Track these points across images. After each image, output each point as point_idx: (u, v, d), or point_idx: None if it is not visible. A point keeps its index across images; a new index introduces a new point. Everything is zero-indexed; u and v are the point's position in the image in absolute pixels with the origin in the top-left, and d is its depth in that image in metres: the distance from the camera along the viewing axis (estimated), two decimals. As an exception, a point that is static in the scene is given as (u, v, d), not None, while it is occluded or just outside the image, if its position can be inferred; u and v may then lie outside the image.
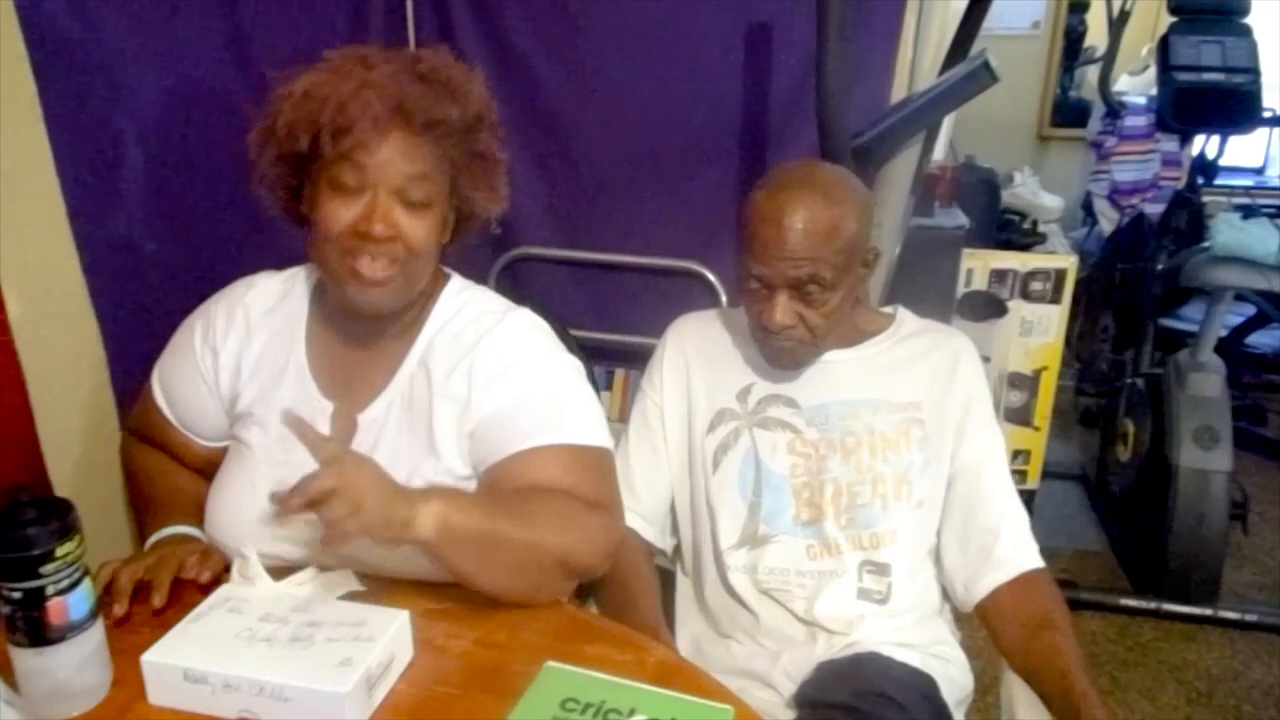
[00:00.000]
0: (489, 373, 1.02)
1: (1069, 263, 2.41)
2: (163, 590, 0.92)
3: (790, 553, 1.15)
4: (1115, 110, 3.46)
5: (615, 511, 1.07)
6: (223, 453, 1.12)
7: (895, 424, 1.16)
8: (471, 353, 1.02)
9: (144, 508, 1.14)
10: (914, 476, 1.15)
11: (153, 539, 1.05)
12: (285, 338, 1.09)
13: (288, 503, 0.79)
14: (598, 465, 1.05)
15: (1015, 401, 2.44)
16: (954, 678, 1.13)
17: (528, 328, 1.08)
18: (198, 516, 1.08)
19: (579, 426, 1.03)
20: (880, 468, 1.15)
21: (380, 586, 0.97)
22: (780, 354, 1.15)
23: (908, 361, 1.19)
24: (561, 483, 0.99)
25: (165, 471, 1.16)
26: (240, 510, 1.02)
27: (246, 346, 1.09)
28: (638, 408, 1.28)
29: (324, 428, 0.90)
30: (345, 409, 0.96)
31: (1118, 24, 3.33)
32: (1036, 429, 2.45)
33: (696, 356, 1.25)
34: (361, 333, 1.06)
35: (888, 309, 1.27)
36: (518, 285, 1.78)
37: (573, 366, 1.09)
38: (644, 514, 1.23)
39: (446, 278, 1.11)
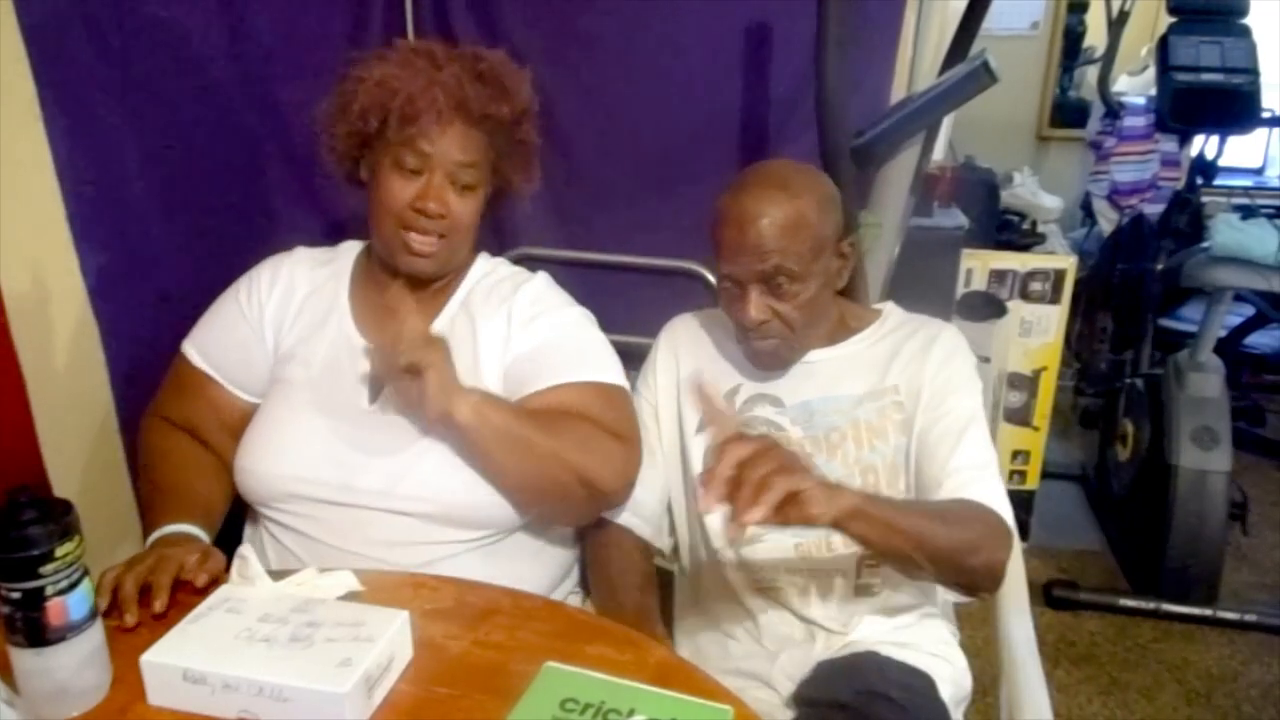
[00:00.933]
0: (525, 316, 1.17)
1: (1068, 263, 2.41)
2: (163, 595, 0.92)
3: (777, 550, 1.14)
4: (1114, 110, 3.46)
5: (635, 442, 1.17)
6: (252, 410, 1.18)
7: (878, 411, 1.15)
8: (511, 299, 1.19)
9: (151, 496, 1.15)
10: (902, 461, 1.14)
11: (153, 536, 1.06)
12: (329, 290, 1.21)
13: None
14: (619, 400, 1.18)
15: (1015, 402, 2.44)
16: (953, 678, 1.13)
17: (553, 284, 1.26)
18: (203, 517, 1.09)
19: (600, 366, 1.18)
20: (869, 457, 1.14)
21: (380, 587, 0.97)
22: (762, 354, 1.16)
23: (890, 353, 1.18)
24: (588, 411, 1.13)
25: (182, 463, 1.17)
26: (281, 437, 1.12)
27: (289, 298, 1.20)
28: (638, 406, 1.26)
29: (363, 365, 1.10)
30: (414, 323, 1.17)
31: (1117, 24, 3.33)
32: (1036, 429, 2.45)
33: (688, 357, 1.26)
34: (401, 290, 1.19)
35: (877, 306, 1.27)
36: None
37: (588, 316, 1.24)
38: (639, 512, 1.24)
39: (478, 254, 1.26)
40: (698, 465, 1.20)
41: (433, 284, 1.20)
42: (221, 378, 1.19)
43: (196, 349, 1.20)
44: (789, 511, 0.81)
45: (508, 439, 1.05)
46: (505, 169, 1.20)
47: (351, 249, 1.26)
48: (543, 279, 1.25)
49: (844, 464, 1.14)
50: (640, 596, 1.20)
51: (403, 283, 1.18)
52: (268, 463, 1.11)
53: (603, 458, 1.11)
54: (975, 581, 1.01)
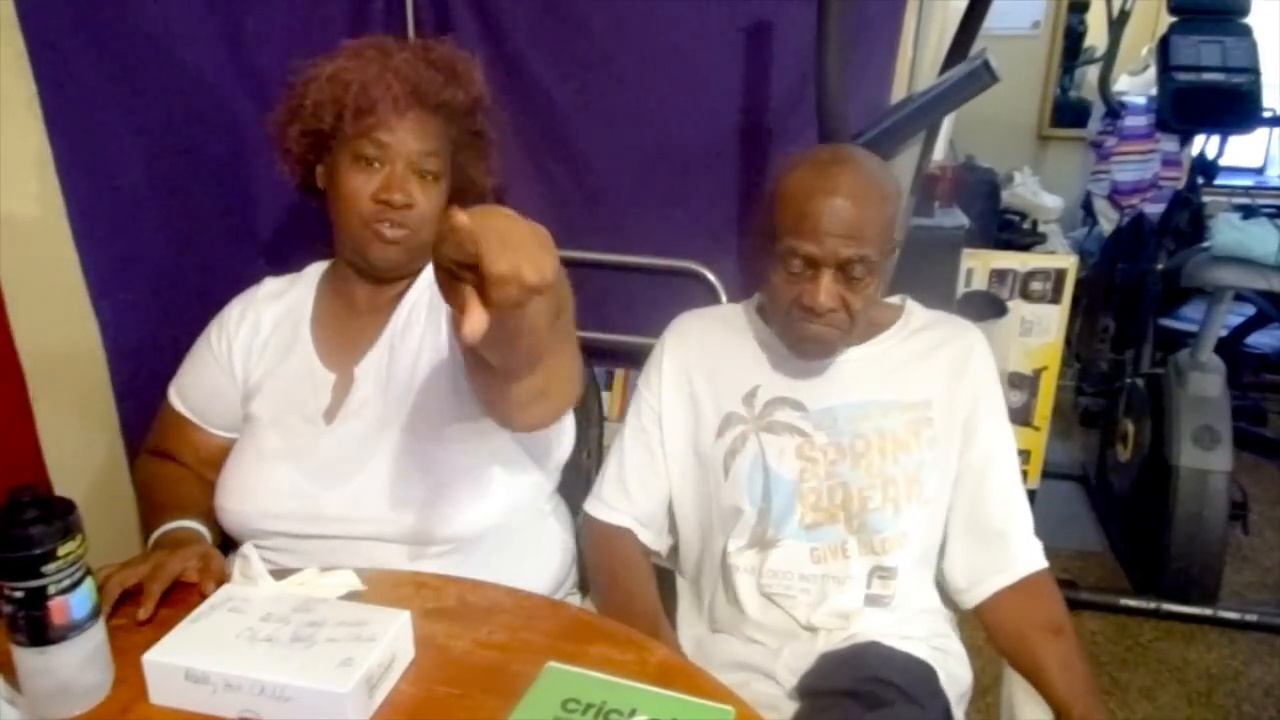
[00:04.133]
0: None
1: (1069, 263, 2.41)
2: (150, 603, 0.91)
3: (794, 556, 1.14)
4: (1115, 110, 3.46)
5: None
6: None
7: (905, 423, 1.13)
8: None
9: (150, 512, 1.16)
10: (924, 475, 1.13)
11: (156, 534, 1.06)
12: (292, 320, 1.20)
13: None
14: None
15: (1015, 401, 2.44)
16: (954, 671, 1.13)
17: None
18: (203, 515, 1.10)
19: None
20: (891, 470, 1.13)
21: (381, 586, 0.97)
22: (813, 340, 1.10)
23: (918, 357, 1.16)
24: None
25: (178, 477, 1.19)
26: (249, 476, 1.11)
27: (256, 332, 1.20)
28: (633, 409, 1.26)
29: (325, 396, 1.12)
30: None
31: (1117, 24, 3.33)
32: (1036, 429, 2.45)
33: (698, 359, 1.22)
34: (362, 304, 1.18)
35: (894, 299, 1.25)
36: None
37: None
38: (640, 517, 1.23)
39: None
40: (716, 471, 1.18)
41: (392, 288, 1.18)
42: (198, 420, 1.21)
43: (177, 391, 1.22)
44: None
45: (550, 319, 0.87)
46: (463, 160, 1.19)
47: (315, 272, 1.25)
48: None
49: (867, 474, 1.13)
50: (649, 593, 1.20)
51: (369, 287, 1.17)
52: (238, 502, 1.11)
53: (572, 346, 1.02)
54: None
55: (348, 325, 1.18)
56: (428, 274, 1.18)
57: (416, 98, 1.10)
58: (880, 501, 1.12)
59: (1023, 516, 1.15)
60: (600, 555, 1.25)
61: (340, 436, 1.11)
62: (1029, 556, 1.14)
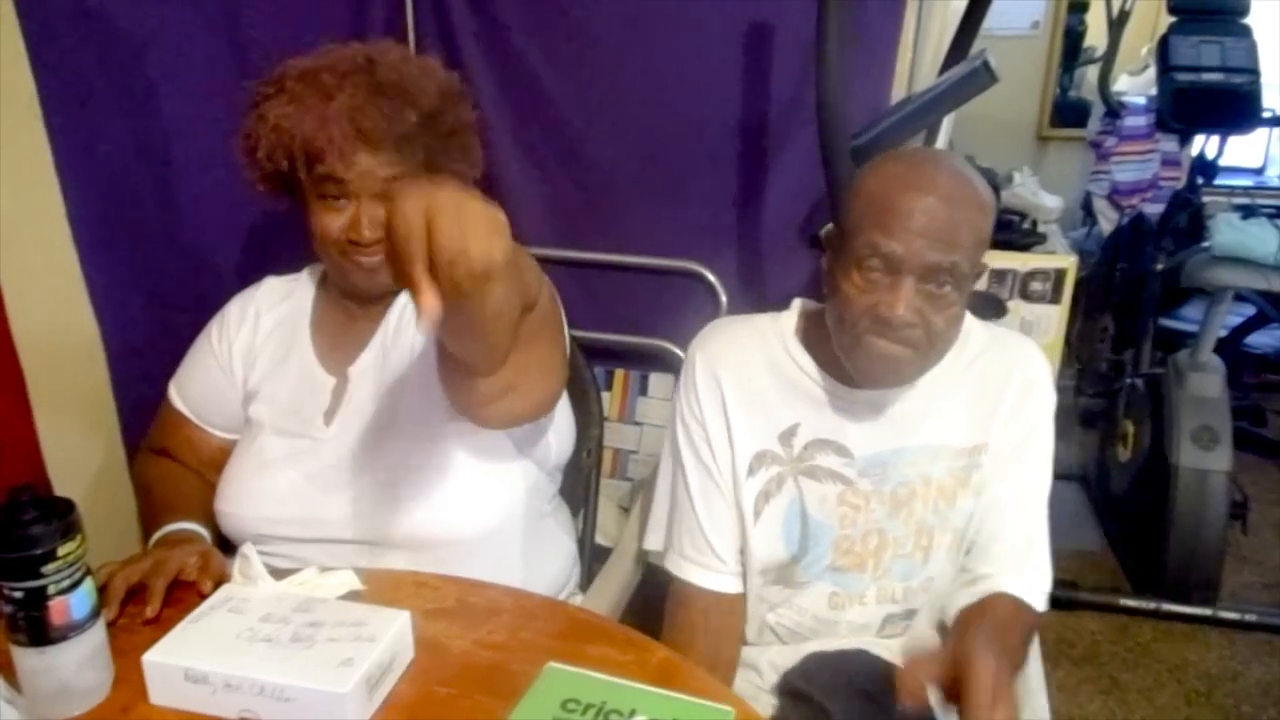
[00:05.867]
0: None
1: (1069, 263, 2.40)
2: (156, 601, 0.92)
3: (815, 598, 1.08)
4: (1115, 110, 3.45)
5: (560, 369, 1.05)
6: (234, 446, 1.18)
7: (954, 471, 1.04)
8: None
9: (150, 512, 1.15)
10: (961, 524, 1.06)
11: (156, 535, 1.06)
12: (291, 323, 1.19)
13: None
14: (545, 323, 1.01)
15: (1015, 401, 2.43)
16: None
17: None
18: (203, 516, 1.10)
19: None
20: (931, 520, 1.04)
21: (381, 586, 0.97)
22: (883, 359, 0.94)
23: (978, 393, 1.04)
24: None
25: (173, 477, 1.19)
26: (249, 479, 1.11)
27: (256, 334, 1.19)
28: (684, 440, 1.09)
29: (325, 398, 1.11)
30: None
31: (1117, 24, 3.33)
32: (1036, 429, 2.45)
33: (733, 383, 1.06)
34: (355, 310, 1.17)
35: None
36: (518, 285, 1.78)
37: None
38: (735, 570, 1.09)
39: None
40: (745, 512, 1.06)
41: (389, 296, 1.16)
42: (197, 419, 1.21)
43: (177, 389, 1.22)
44: None
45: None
46: (441, 162, 1.12)
47: (313, 274, 1.24)
48: None
49: (905, 523, 1.05)
50: (733, 654, 1.11)
51: (359, 300, 1.16)
52: (238, 505, 1.11)
53: (555, 377, 1.03)
54: None
55: (345, 328, 1.18)
56: None
57: (363, 139, 1.03)
58: (911, 549, 1.05)
59: (1041, 559, 1.07)
60: (705, 628, 1.10)
61: (339, 440, 1.11)
62: (1031, 587, 1.04)
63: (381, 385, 1.13)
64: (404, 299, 1.17)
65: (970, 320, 1.05)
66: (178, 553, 0.98)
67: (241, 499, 1.11)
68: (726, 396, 1.06)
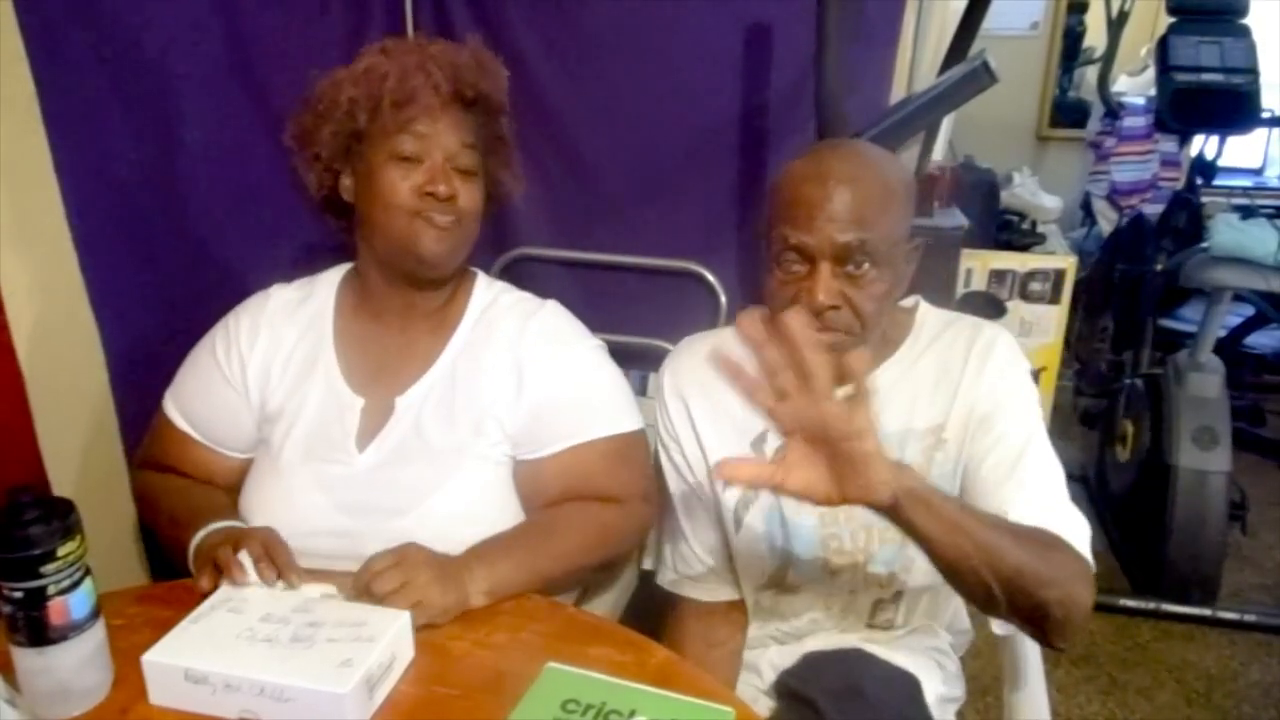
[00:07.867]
0: (536, 358, 1.11)
1: (1068, 263, 2.41)
2: (289, 571, 0.94)
3: (810, 600, 1.09)
4: (1114, 111, 3.46)
5: (650, 494, 1.14)
6: (246, 465, 1.13)
7: (920, 452, 1.04)
8: (519, 340, 1.12)
9: (176, 521, 1.07)
10: None
11: (199, 535, 1.01)
12: (312, 336, 1.14)
13: (356, 586, 0.92)
14: (635, 451, 1.14)
15: (1015, 401, 2.44)
16: (943, 680, 1.09)
17: (564, 316, 1.18)
18: (232, 512, 1.07)
19: (616, 414, 1.13)
20: None
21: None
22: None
23: (940, 373, 1.04)
24: (592, 481, 1.10)
25: (189, 486, 1.13)
26: (274, 507, 1.06)
27: (276, 350, 1.13)
28: (665, 460, 1.14)
29: (354, 422, 1.07)
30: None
31: (1117, 24, 3.33)
32: (1036, 429, 2.45)
33: (699, 398, 1.10)
34: (393, 323, 1.13)
35: (907, 301, 1.12)
36: (517, 286, 1.78)
37: (601, 350, 1.18)
38: (728, 579, 1.13)
39: (474, 273, 1.19)
40: (727, 522, 1.09)
41: (425, 312, 1.13)
42: (206, 440, 1.14)
43: (178, 408, 1.15)
44: (847, 482, 0.75)
45: (526, 585, 1.01)
46: (492, 165, 1.15)
47: (331, 281, 1.18)
48: (552, 309, 1.17)
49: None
50: (735, 658, 1.13)
51: (404, 296, 1.12)
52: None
53: (609, 540, 1.11)
54: (1049, 619, 0.84)
55: (376, 344, 1.12)
56: (479, 298, 1.16)
57: (455, 86, 1.06)
58: (894, 533, 1.03)
59: (1048, 507, 0.94)
60: (686, 636, 1.14)
61: (375, 469, 1.06)
62: (1054, 524, 0.91)
63: (433, 416, 1.09)
64: (466, 329, 1.13)
65: (926, 308, 1.10)
66: (250, 529, 0.99)
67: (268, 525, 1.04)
68: (693, 412, 1.10)
